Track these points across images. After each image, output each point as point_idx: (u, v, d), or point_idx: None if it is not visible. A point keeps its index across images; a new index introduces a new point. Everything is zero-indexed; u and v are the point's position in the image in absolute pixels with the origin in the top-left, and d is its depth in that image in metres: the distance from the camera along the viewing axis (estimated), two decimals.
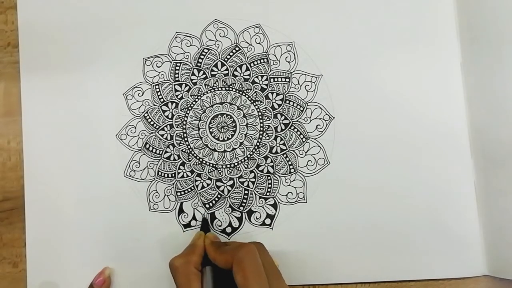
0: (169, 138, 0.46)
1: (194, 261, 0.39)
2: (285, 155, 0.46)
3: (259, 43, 0.47)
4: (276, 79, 0.47)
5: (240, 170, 0.46)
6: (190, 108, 0.47)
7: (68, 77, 0.47)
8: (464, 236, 0.45)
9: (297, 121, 0.46)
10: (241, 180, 0.46)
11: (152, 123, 0.47)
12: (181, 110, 0.47)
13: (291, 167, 0.46)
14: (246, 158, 0.46)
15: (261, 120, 0.46)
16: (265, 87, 0.47)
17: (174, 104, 0.47)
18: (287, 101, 0.47)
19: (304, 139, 0.46)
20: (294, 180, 0.46)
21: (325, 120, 0.46)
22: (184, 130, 0.47)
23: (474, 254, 0.45)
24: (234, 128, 0.46)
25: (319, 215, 0.45)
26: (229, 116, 0.47)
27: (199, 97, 0.47)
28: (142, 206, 0.46)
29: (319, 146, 0.46)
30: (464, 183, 0.46)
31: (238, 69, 0.47)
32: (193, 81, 0.47)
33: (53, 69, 0.47)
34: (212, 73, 0.47)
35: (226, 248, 0.39)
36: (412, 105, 0.46)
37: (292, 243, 0.45)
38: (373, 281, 0.45)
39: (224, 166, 0.46)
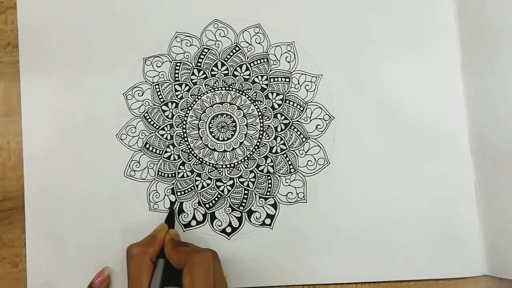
0: (169, 138, 0.46)
1: (150, 253, 0.39)
2: (285, 155, 0.46)
3: (259, 43, 0.47)
4: (276, 79, 0.47)
5: (240, 170, 0.46)
6: (190, 108, 0.47)
7: (68, 77, 0.47)
8: (464, 236, 0.45)
9: (297, 121, 0.46)
10: (241, 180, 0.46)
11: (152, 123, 0.47)
12: (181, 110, 0.47)
13: (291, 167, 0.46)
14: (246, 158, 0.46)
15: (261, 120, 0.46)
16: (265, 87, 0.47)
17: (174, 104, 0.47)
18: (287, 101, 0.47)
19: (304, 139, 0.46)
20: (294, 180, 0.46)
21: (325, 120, 0.46)
22: (184, 130, 0.47)
23: (474, 254, 0.45)
24: (234, 128, 0.46)
25: (319, 215, 0.45)
26: (229, 116, 0.47)
27: (199, 97, 0.47)
28: (142, 206, 0.46)
29: (319, 146, 0.46)
30: (464, 183, 0.46)
31: (238, 69, 0.47)
32: (193, 81, 0.47)
33: (53, 69, 0.47)
34: (212, 73, 0.47)
35: (183, 249, 0.40)
36: (412, 105, 0.46)
37: (292, 243, 0.45)
38: (373, 281, 0.45)
39: (224, 166, 0.46)
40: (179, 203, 0.46)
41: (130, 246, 0.40)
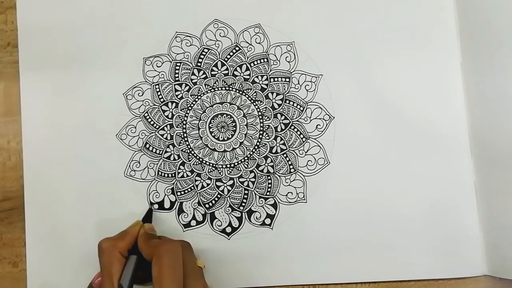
0: (169, 138, 0.46)
1: (120, 247, 0.39)
2: (285, 155, 0.46)
3: (259, 43, 0.47)
4: (276, 79, 0.47)
5: (240, 170, 0.46)
6: (190, 108, 0.47)
7: (68, 77, 0.47)
8: (464, 236, 0.45)
9: (297, 121, 0.46)
10: (241, 180, 0.46)
11: (152, 123, 0.47)
12: (181, 110, 0.47)
13: (291, 167, 0.46)
14: (246, 158, 0.46)
15: (261, 120, 0.46)
16: (265, 87, 0.47)
17: (174, 104, 0.47)
18: (287, 101, 0.47)
19: (304, 139, 0.46)
20: (294, 180, 0.46)
21: (325, 120, 0.46)
22: (184, 130, 0.47)
23: (474, 254, 0.45)
24: (234, 128, 0.46)
25: (319, 215, 0.45)
26: (229, 116, 0.47)
27: (199, 97, 0.47)
28: (142, 206, 0.46)
29: (319, 146, 0.46)
30: (464, 183, 0.46)
31: (238, 69, 0.47)
32: (193, 81, 0.47)
33: (53, 69, 0.47)
34: (212, 73, 0.47)
35: (154, 241, 0.40)
36: (412, 105, 0.46)
37: (292, 243, 0.45)
38: (373, 281, 0.45)
39: (224, 166, 0.46)
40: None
41: (101, 240, 0.40)
